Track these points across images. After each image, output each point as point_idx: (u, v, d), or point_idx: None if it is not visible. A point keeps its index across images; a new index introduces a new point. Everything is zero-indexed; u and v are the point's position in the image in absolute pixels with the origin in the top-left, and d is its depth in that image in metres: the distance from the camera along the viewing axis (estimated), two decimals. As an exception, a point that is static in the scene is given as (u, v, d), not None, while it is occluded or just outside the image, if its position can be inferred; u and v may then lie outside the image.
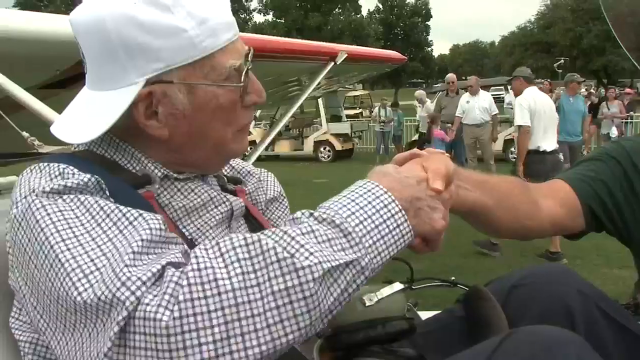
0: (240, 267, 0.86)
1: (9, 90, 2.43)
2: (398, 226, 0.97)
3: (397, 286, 1.19)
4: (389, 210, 0.97)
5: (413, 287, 1.25)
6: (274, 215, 1.45)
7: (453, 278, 1.37)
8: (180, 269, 0.86)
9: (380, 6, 77.45)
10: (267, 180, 1.48)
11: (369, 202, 0.97)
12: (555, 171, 5.87)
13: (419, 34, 77.01)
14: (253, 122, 18.45)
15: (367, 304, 1.15)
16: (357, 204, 0.96)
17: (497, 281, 1.36)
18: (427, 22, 78.31)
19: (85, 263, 0.89)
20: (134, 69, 1.06)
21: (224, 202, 1.22)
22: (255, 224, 1.31)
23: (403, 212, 0.98)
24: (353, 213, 0.95)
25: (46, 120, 2.30)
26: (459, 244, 6.39)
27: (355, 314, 1.14)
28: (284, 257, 0.86)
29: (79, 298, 0.86)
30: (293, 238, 0.89)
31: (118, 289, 0.84)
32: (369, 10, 79.40)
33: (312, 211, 0.96)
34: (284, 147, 18.50)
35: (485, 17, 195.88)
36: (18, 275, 1.02)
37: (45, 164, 1.06)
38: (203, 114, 1.11)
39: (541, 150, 6.45)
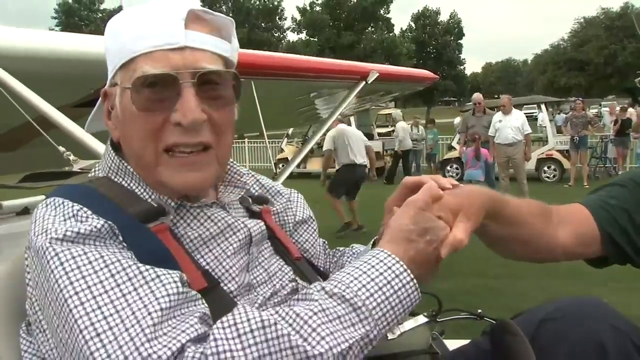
0: (257, 350, 0.89)
1: (42, 109, 2.49)
2: (409, 295, 0.99)
3: (422, 319, 1.16)
4: (400, 280, 0.98)
5: (438, 320, 1.22)
6: (301, 238, 1.43)
7: (480, 311, 1.33)
8: (200, 350, 0.88)
9: (413, 25, 77.47)
10: (297, 202, 1.47)
11: (381, 274, 0.98)
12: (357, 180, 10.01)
13: (451, 52, 76.69)
14: (285, 140, 18.82)
15: (390, 337, 1.11)
16: (368, 275, 0.98)
17: (526, 314, 1.31)
18: (459, 41, 78.05)
19: (98, 321, 0.89)
20: (109, 72, 1.17)
21: (242, 229, 1.20)
22: (279, 246, 1.30)
23: (414, 280, 0.99)
24: (364, 285, 0.96)
25: (75, 138, 2.37)
26: (489, 265, 6.32)
27: (376, 347, 1.09)
28: (297, 345, 0.89)
29: (91, 358, 0.87)
30: (305, 322, 0.92)
31: None
32: (401, 28, 79.44)
33: (324, 285, 0.98)
34: (315, 165, 18.46)
35: (518, 36, 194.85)
36: (38, 310, 1.03)
37: (61, 201, 1.06)
38: (125, 119, 1.14)
39: (343, 163, 9.90)
